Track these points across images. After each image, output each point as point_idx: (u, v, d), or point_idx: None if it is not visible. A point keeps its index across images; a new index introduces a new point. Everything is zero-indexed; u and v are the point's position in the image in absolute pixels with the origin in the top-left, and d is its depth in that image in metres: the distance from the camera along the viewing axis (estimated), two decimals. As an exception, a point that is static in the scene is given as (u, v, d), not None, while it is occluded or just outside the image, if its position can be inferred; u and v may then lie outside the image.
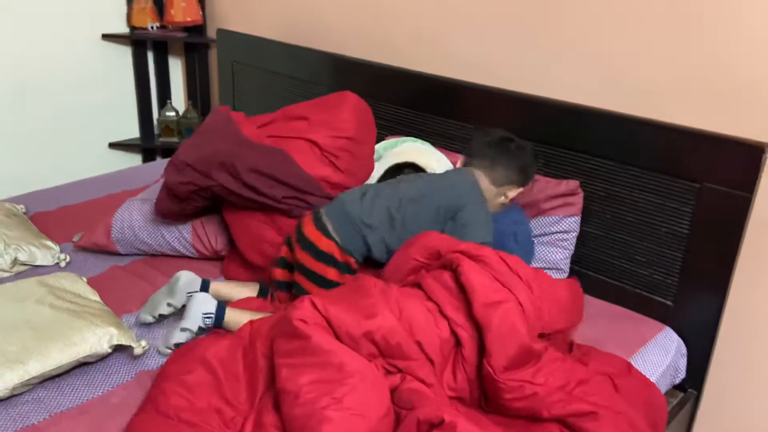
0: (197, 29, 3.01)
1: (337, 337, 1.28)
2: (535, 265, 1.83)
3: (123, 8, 2.94)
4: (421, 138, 2.08)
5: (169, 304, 1.55)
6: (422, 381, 1.29)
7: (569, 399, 1.28)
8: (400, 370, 1.31)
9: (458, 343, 1.36)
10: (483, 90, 1.99)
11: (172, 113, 3.07)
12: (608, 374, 1.39)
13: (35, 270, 1.82)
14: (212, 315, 1.51)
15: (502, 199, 1.73)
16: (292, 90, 2.55)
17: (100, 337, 1.42)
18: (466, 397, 1.35)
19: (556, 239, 1.82)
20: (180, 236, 1.90)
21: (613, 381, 1.38)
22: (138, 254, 1.95)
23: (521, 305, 1.36)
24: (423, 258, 1.52)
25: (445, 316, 1.37)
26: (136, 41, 2.99)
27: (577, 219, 1.82)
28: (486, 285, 1.36)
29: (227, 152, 1.76)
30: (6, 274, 1.79)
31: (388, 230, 1.62)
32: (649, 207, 1.73)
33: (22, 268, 1.82)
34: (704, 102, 1.66)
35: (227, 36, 2.78)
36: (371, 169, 1.98)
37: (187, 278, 1.60)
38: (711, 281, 1.66)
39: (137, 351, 1.45)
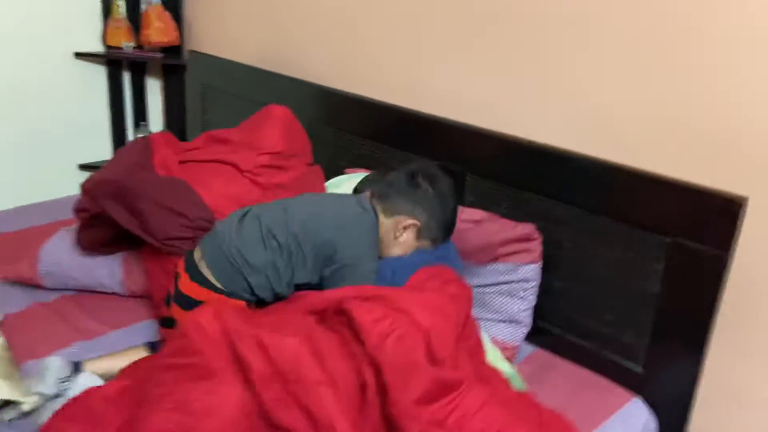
0: (175, 50, 2.91)
1: None
2: (489, 317, 1.65)
3: (98, 27, 2.85)
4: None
5: (40, 394, 1.34)
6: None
7: None
8: None
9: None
10: (451, 125, 1.84)
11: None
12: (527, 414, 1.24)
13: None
14: (69, 379, 1.35)
15: (400, 235, 1.48)
16: (261, 116, 2.42)
17: (-16, 391, 1.27)
18: None
19: (513, 289, 1.64)
20: (111, 273, 1.76)
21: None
22: (67, 289, 1.81)
23: (419, 324, 1.21)
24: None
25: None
26: (111, 61, 2.90)
27: (537, 267, 1.63)
28: (375, 317, 1.20)
29: (122, 180, 1.65)
30: None
31: (272, 271, 1.40)
32: (619, 260, 1.55)
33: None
34: (681, 150, 1.49)
35: (199, 58, 2.67)
36: (314, 176, 1.91)
37: (58, 364, 1.39)
38: (685, 347, 1.47)
39: (25, 408, 1.29)
